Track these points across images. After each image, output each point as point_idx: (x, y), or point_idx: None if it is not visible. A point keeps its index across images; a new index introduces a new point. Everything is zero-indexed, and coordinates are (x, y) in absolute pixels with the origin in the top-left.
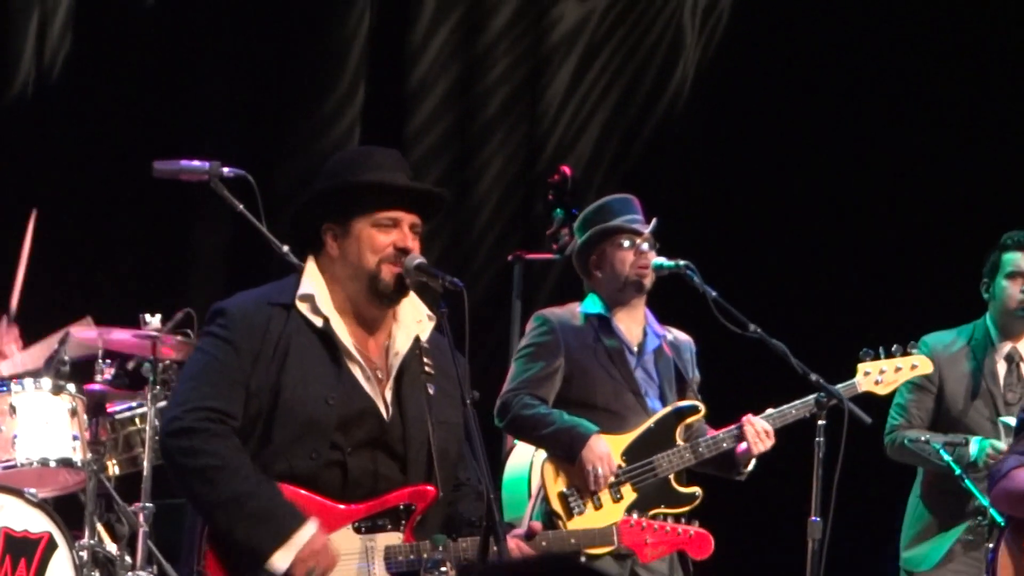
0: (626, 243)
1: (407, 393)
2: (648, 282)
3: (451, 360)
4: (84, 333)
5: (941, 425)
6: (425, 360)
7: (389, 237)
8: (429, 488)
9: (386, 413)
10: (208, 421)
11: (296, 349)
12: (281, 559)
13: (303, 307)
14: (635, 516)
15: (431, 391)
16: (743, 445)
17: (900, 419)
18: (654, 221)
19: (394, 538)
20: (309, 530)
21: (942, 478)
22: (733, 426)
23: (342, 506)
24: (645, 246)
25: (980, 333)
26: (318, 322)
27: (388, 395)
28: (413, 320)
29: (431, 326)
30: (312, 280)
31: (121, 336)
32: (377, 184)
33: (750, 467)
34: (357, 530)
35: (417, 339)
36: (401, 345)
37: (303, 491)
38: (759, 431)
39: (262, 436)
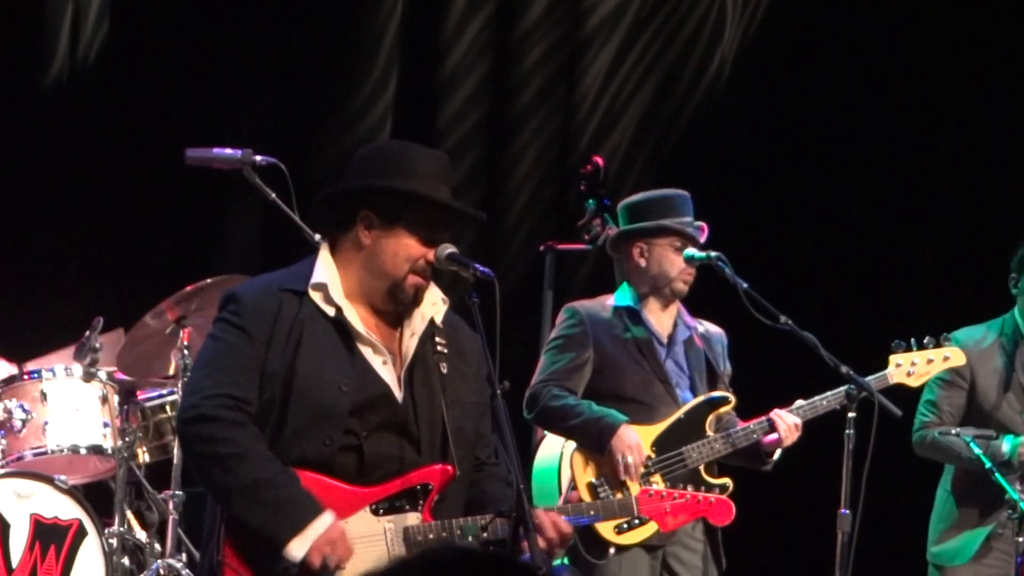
0: (685, 251)
1: (420, 374)
2: (686, 290)
3: (468, 340)
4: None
5: (972, 421)
6: (438, 340)
7: (425, 251)
8: (446, 467)
9: (399, 395)
10: (226, 408)
11: (309, 335)
12: (297, 547)
13: (315, 296)
14: (654, 486)
15: (444, 370)
16: (772, 436)
17: (930, 416)
18: (706, 232)
19: (413, 518)
20: (326, 520)
21: (972, 472)
22: (763, 418)
23: (359, 489)
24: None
25: (1009, 327)
26: (330, 311)
27: (403, 377)
28: (428, 303)
29: (444, 308)
30: (325, 268)
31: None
32: (441, 203)
33: (775, 457)
34: (375, 512)
35: (432, 321)
36: (416, 327)
37: (318, 475)
38: (789, 425)
39: (276, 422)
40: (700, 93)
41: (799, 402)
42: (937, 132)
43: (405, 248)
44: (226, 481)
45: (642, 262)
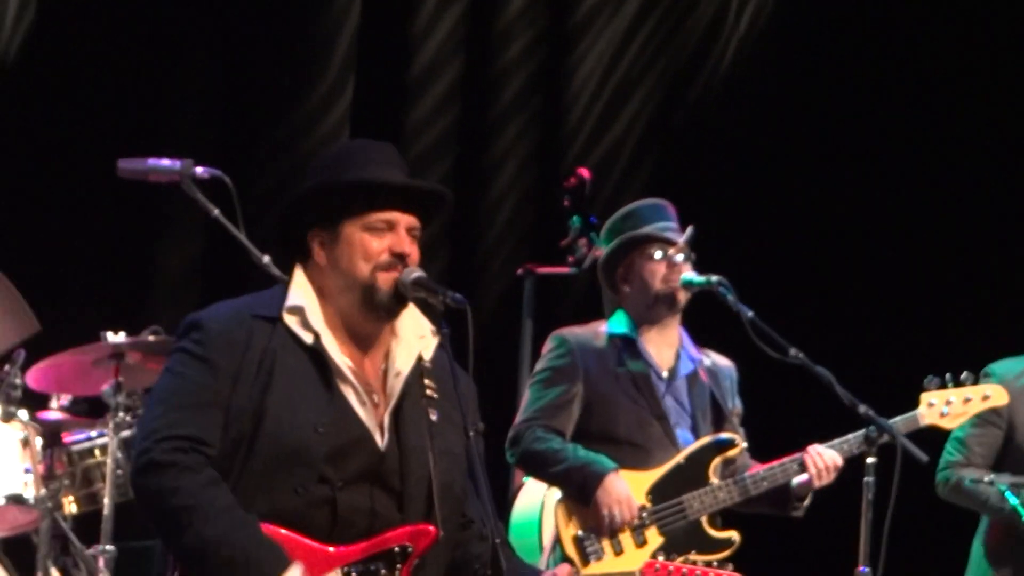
0: (657, 254)
1: (407, 420)
2: (682, 297)
3: (457, 381)
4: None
5: (1008, 465)
6: (427, 382)
7: (383, 242)
8: (429, 527)
9: (382, 442)
10: (179, 452)
11: (282, 368)
12: None
13: (291, 320)
14: (661, 559)
15: (433, 417)
16: (802, 477)
17: (957, 455)
18: (689, 229)
19: None
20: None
21: (1009, 525)
22: (787, 458)
23: (331, 548)
24: (679, 257)
25: None
26: (307, 338)
27: (386, 421)
28: (415, 335)
29: (435, 343)
30: (301, 291)
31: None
32: (368, 182)
33: (807, 502)
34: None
35: (420, 358)
36: (403, 364)
37: (286, 531)
38: (827, 465)
39: (242, 467)
40: (710, 91)
41: (834, 442)
42: (968, 141)
43: (360, 246)
44: (181, 539)
45: (626, 288)
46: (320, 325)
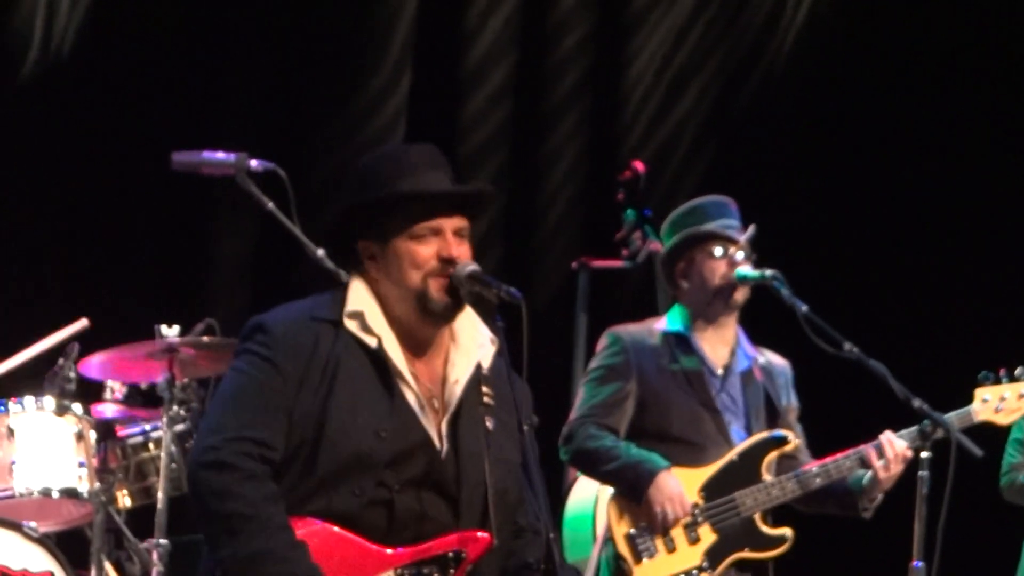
0: (718, 251)
1: (465, 427)
2: (740, 297)
3: (514, 387)
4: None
5: None
6: (484, 389)
7: (431, 248)
8: (482, 535)
9: (441, 448)
10: (248, 457)
11: (345, 372)
12: None
13: (352, 325)
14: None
15: (490, 425)
16: (868, 473)
17: (1020, 456)
18: (751, 228)
19: None
20: None
21: None
22: (841, 455)
23: (385, 550)
24: (739, 256)
25: None
26: (371, 342)
27: (444, 428)
28: (474, 343)
29: (492, 350)
30: (360, 296)
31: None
32: (408, 195)
33: (877, 502)
34: None
35: (479, 366)
36: (461, 372)
37: (341, 531)
38: (896, 454)
39: (303, 469)
40: (768, 84)
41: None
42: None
43: (408, 255)
44: (228, 544)
45: (685, 283)
46: (382, 328)
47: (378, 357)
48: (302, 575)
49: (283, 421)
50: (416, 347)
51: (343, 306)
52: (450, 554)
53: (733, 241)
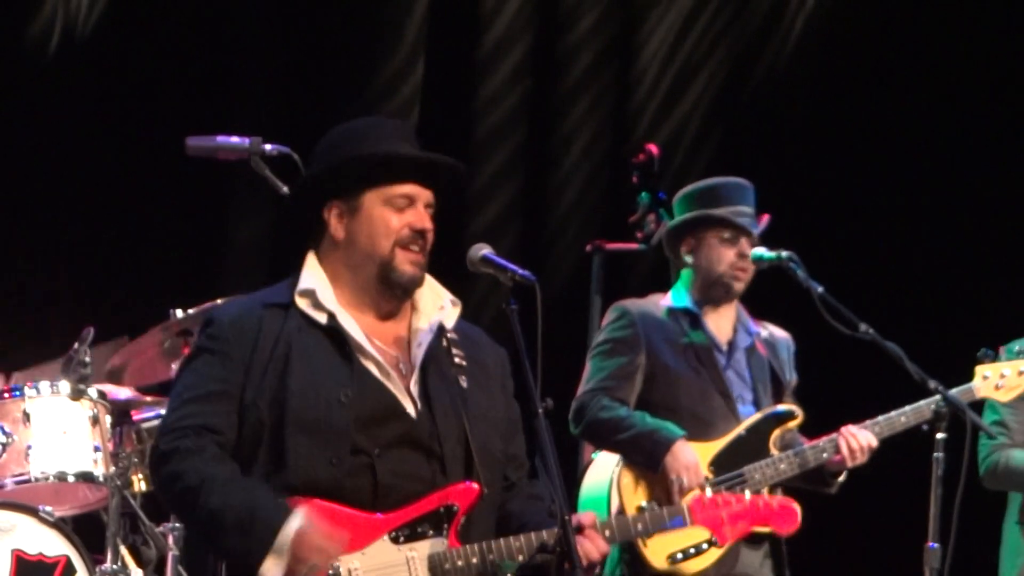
0: (729, 238)
1: (435, 386)
2: (741, 287)
3: (489, 352)
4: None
5: None
6: (455, 351)
7: (404, 218)
8: (471, 485)
9: (413, 410)
10: (182, 438)
11: (299, 350)
12: (271, 569)
13: (303, 303)
14: (708, 492)
15: (464, 384)
16: (837, 456)
17: (1002, 437)
18: (765, 221)
19: (438, 544)
20: (294, 523)
21: None
22: (834, 435)
23: (375, 515)
24: (747, 248)
25: None
26: (321, 318)
27: (414, 390)
28: (434, 306)
29: (456, 312)
30: (312, 273)
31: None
32: (394, 155)
33: (841, 479)
34: (395, 540)
35: (442, 327)
36: (423, 336)
37: (328, 504)
38: (861, 445)
39: (272, 448)
40: (781, 67)
41: (878, 418)
42: None
43: (381, 221)
44: (193, 517)
45: (690, 259)
46: (333, 304)
47: (333, 331)
48: (258, 511)
49: (227, 406)
50: (376, 316)
51: (295, 287)
52: (441, 509)
53: (747, 233)
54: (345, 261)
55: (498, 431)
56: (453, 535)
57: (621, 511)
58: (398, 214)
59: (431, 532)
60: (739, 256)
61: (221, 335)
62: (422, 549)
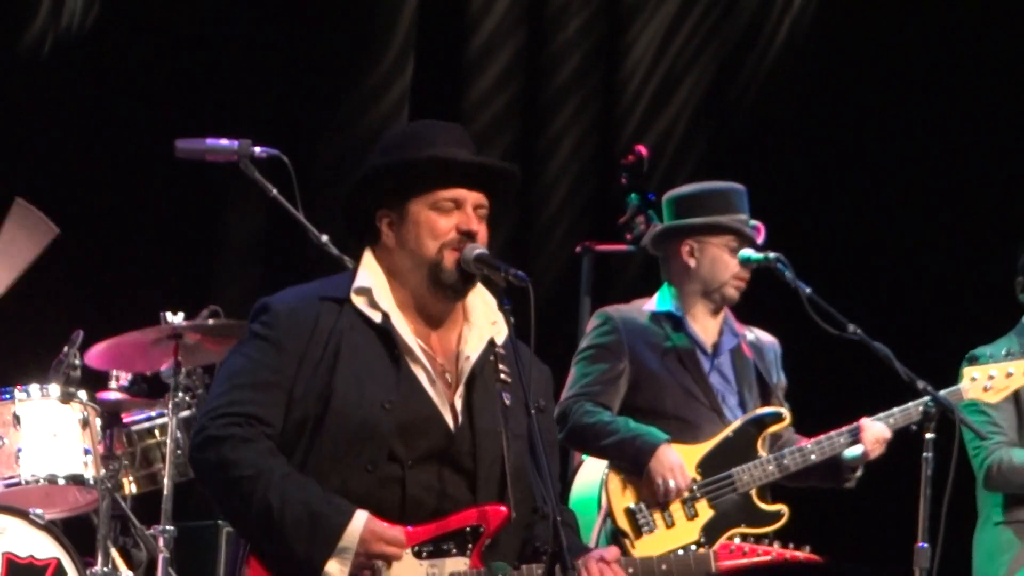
0: (735, 248)
1: (479, 402)
2: (738, 296)
3: (535, 369)
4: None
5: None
6: (501, 367)
7: (451, 220)
8: (501, 508)
9: (453, 423)
10: (235, 426)
11: (349, 348)
12: (336, 569)
13: (359, 301)
14: (737, 540)
15: (507, 401)
16: (856, 448)
17: (998, 436)
18: (762, 233)
19: (460, 564)
20: (357, 524)
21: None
22: (835, 431)
23: (403, 528)
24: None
25: None
26: (376, 317)
27: (457, 403)
28: (487, 320)
29: (507, 329)
30: (369, 272)
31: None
32: (434, 160)
33: (859, 473)
34: (418, 555)
35: (492, 342)
36: (472, 348)
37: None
38: (877, 437)
39: (310, 447)
40: (766, 69)
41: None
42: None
43: (428, 224)
44: (243, 509)
45: (691, 262)
46: (389, 305)
47: (385, 332)
48: (319, 508)
49: (278, 398)
50: (428, 322)
51: (351, 283)
52: (468, 529)
53: (755, 244)
54: (398, 264)
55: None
56: (476, 556)
57: (609, 512)
58: (445, 217)
59: (455, 551)
60: (743, 267)
61: (277, 324)
62: (443, 567)
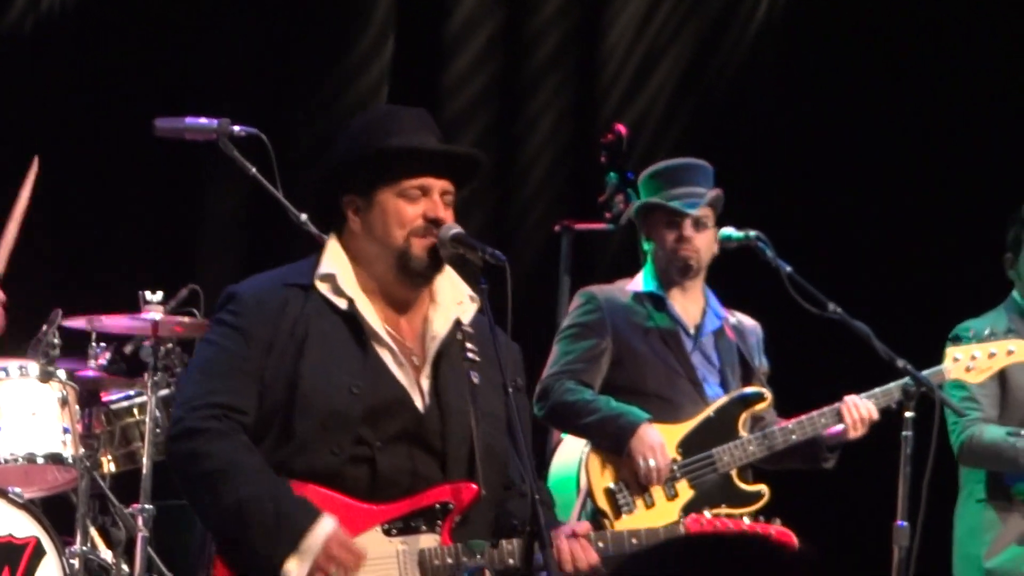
0: (670, 221)
1: (447, 382)
2: (694, 264)
3: (504, 348)
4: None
5: (1005, 418)
6: (468, 346)
7: (418, 208)
8: (471, 485)
9: (422, 404)
10: (212, 419)
11: (316, 334)
12: (296, 568)
13: (323, 287)
14: (707, 513)
15: (475, 380)
16: (836, 428)
17: (975, 412)
18: (709, 195)
19: (430, 540)
20: (324, 528)
21: (1000, 473)
22: (816, 412)
23: (372, 506)
24: (689, 229)
25: (1018, 311)
26: (341, 303)
27: (425, 384)
28: (453, 301)
29: (474, 308)
30: (333, 258)
31: (115, 321)
32: (402, 149)
33: (836, 454)
34: (387, 532)
35: (458, 322)
36: (439, 328)
37: (324, 490)
38: (863, 416)
39: (281, 432)
40: (746, 47)
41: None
42: (1006, 98)
43: (395, 212)
44: (212, 502)
45: (648, 246)
46: (353, 290)
47: (351, 318)
48: (287, 510)
49: (252, 386)
50: (394, 306)
51: (315, 269)
52: (437, 506)
53: (679, 214)
54: (364, 250)
55: (503, 429)
56: (447, 532)
57: (590, 492)
58: (412, 204)
59: (424, 528)
60: (681, 238)
61: (245, 312)
62: (413, 543)
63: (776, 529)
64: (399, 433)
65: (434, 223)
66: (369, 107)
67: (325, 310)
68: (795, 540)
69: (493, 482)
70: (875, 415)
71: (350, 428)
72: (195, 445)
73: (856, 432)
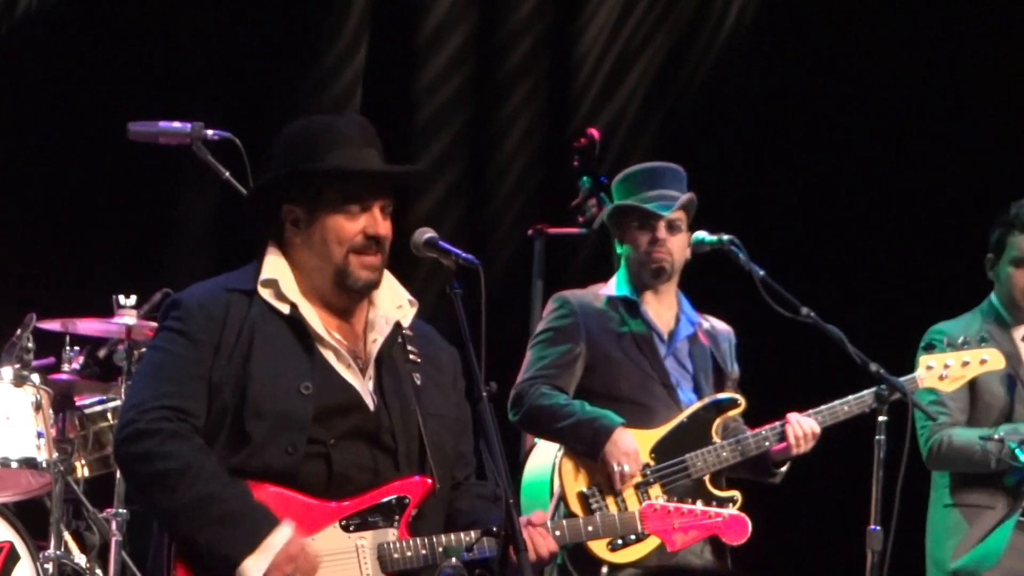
0: (639, 225)
1: (389, 383)
2: (668, 266)
3: (443, 350)
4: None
5: (974, 419)
6: (409, 348)
7: (357, 224)
8: (426, 480)
9: (371, 403)
10: (164, 421)
11: (262, 338)
12: (254, 566)
13: (266, 293)
14: (660, 501)
15: (417, 381)
16: (781, 444)
17: (944, 417)
18: (682, 198)
19: (388, 535)
20: (284, 533)
21: (967, 476)
22: (777, 423)
23: (328, 503)
24: (662, 232)
25: (993, 315)
26: (284, 309)
27: (369, 385)
28: (392, 305)
29: (413, 311)
30: (274, 265)
31: (89, 325)
32: (343, 171)
33: (784, 469)
34: (345, 528)
35: (398, 325)
36: (379, 331)
37: (281, 489)
38: (805, 432)
39: (232, 434)
40: (718, 51)
41: (820, 407)
42: (985, 96)
43: (334, 230)
44: (169, 501)
45: (621, 250)
46: (296, 296)
47: (295, 321)
48: (248, 511)
49: (201, 389)
50: (334, 312)
51: (257, 276)
52: (393, 500)
53: (652, 216)
54: (304, 260)
55: (450, 429)
56: (404, 527)
57: (563, 496)
58: (352, 221)
59: (381, 522)
60: (651, 242)
61: (189, 318)
62: (371, 538)
63: (730, 514)
64: (352, 431)
65: (373, 239)
66: (341, 111)
67: (269, 315)
68: (748, 525)
69: (444, 478)
70: (816, 430)
71: (303, 428)
72: (150, 446)
73: (799, 448)
